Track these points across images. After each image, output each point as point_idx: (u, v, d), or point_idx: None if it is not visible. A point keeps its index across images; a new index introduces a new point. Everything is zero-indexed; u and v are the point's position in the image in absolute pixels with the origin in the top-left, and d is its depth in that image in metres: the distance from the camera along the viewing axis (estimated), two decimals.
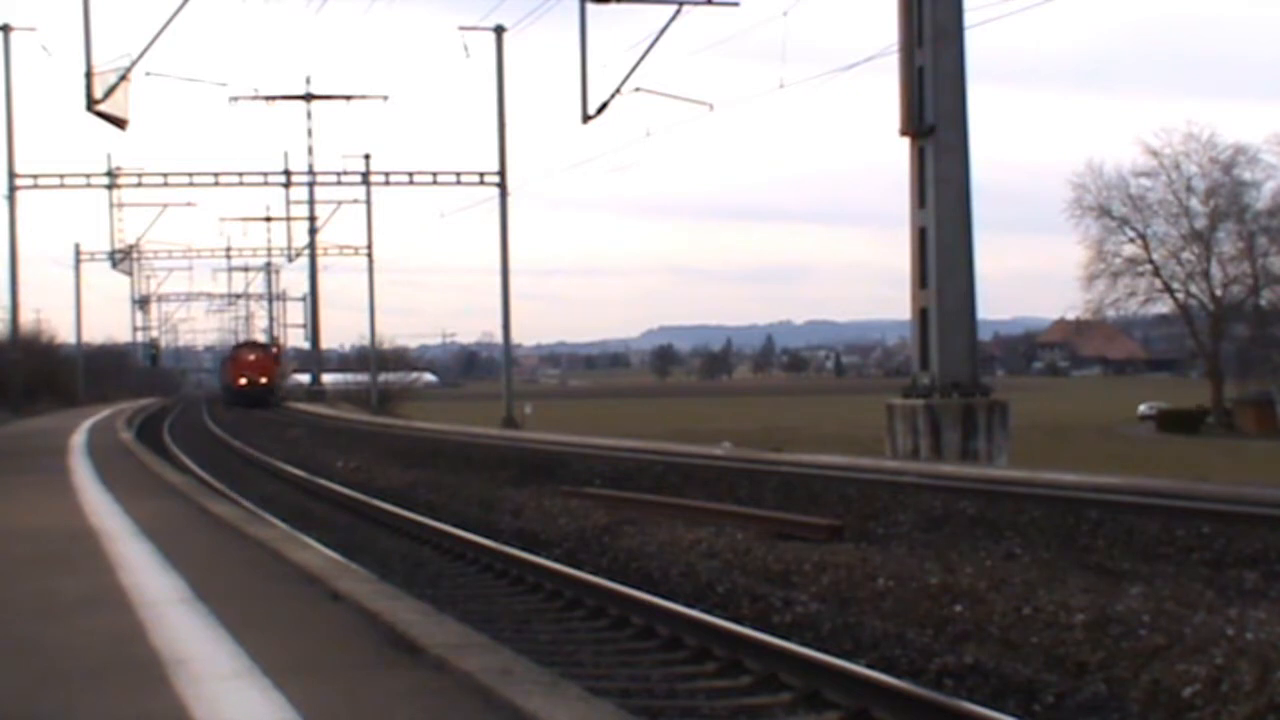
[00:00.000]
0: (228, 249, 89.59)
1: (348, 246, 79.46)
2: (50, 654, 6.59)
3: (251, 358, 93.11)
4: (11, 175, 51.87)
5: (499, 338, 55.33)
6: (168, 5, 31.71)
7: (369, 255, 76.27)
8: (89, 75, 31.42)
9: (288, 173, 60.12)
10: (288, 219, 78.30)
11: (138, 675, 6.00)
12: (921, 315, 26.95)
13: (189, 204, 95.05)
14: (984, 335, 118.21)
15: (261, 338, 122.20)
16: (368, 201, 74.08)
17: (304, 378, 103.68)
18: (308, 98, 62.85)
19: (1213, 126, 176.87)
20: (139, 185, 57.03)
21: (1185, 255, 79.49)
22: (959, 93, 26.48)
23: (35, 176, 52.71)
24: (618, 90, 35.19)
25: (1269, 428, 69.72)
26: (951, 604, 10.62)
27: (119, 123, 31.95)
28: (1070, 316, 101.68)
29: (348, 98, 61.48)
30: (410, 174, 55.38)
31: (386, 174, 56.67)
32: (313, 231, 76.69)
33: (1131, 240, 79.72)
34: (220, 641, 6.73)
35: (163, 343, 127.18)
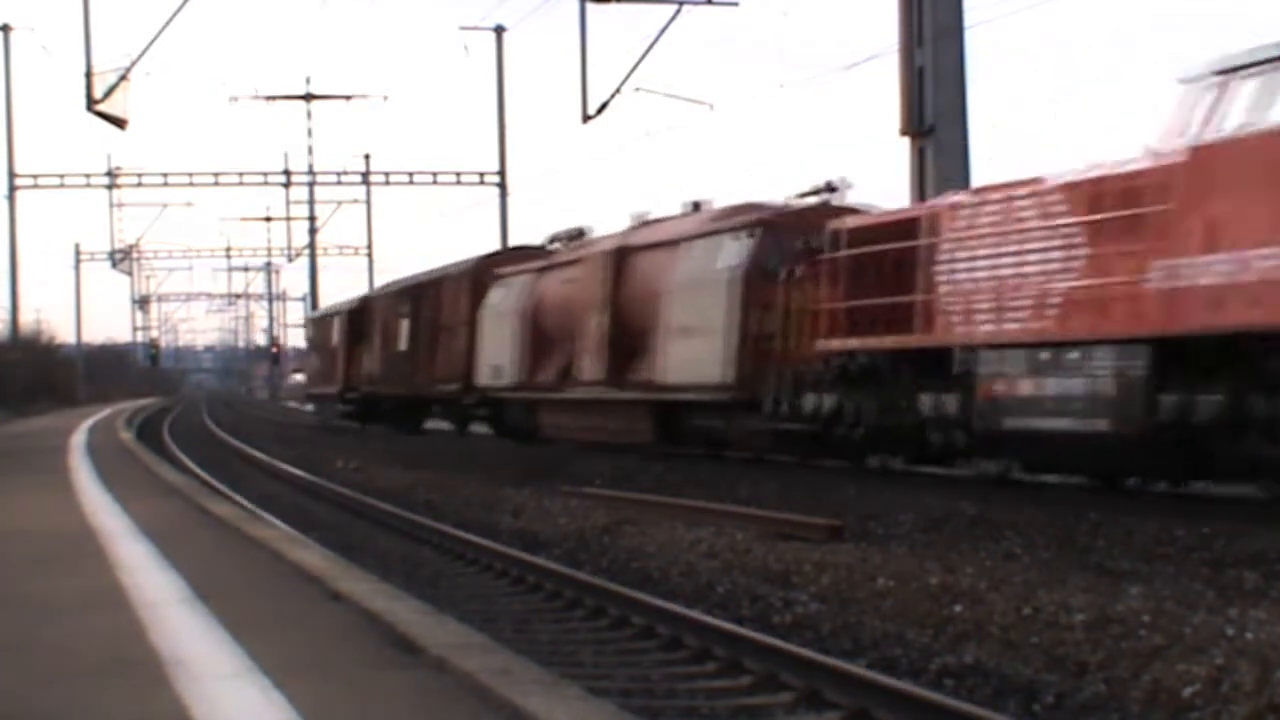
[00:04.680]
0: (228, 249, 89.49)
1: (348, 246, 79.46)
2: (50, 654, 6.59)
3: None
4: (11, 175, 51.87)
5: None
6: (168, 5, 31.72)
7: (369, 255, 76.25)
8: (89, 75, 31.43)
9: (288, 173, 60.26)
10: (288, 219, 78.28)
11: (137, 675, 6.00)
12: None
13: (189, 204, 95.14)
14: None
15: (262, 339, 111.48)
16: (368, 201, 74.08)
17: (304, 378, 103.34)
18: (308, 98, 62.88)
19: None
20: (139, 185, 57.09)
21: None
22: (959, 92, 26.48)
23: (35, 176, 52.74)
24: (618, 90, 35.19)
25: None
26: (951, 604, 10.61)
27: (119, 123, 31.97)
28: None
29: (348, 98, 61.51)
30: (410, 174, 55.50)
31: (386, 174, 56.78)
32: (313, 231, 76.63)
33: None
34: (220, 641, 6.73)
35: (163, 343, 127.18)
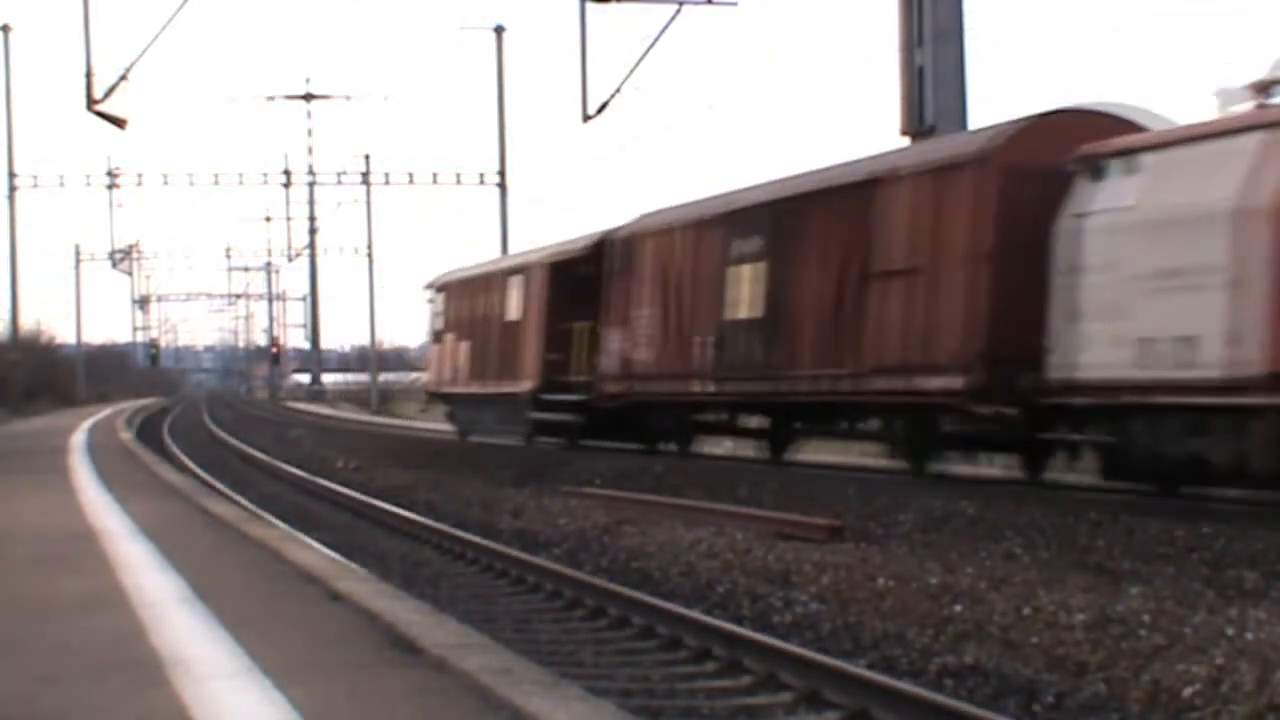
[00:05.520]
0: (228, 249, 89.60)
1: (348, 246, 79.56)
2: (50, 654, 6.58)
3: None
4: (11, 175, 51.92)
5: None
6: (168, 5, 31.72)
7: (369, 255, 76.23)
8: (89, 75, 31.42)
9: (288, 173, 60.29)
10: (287, 219, 78.38)
11: (137, 675, 6.00)
12: None
13: (188, 205, 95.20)
14: None
15: (262, 339, 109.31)
16: (368, 202, 74.07)
17: (304, 378, 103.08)
18: (308, 98, 63.00)
19: None
20: (139, 185, 57.14)
21: None
22: (959, 93, 26.49)
23: (35, 176, 52.82)
24: (618, 90, 35.21)
25: None
26: (951, 604, 10.62)
27: (119, 123, 31.96)
28: None
29: (348, 98, 61.64)
30: (410, 174, 55.52)
31: (386, 174, 56.81)
32: (313, 231, 76.70)
33: None
34: (220, 641, 6.73)
35: (163, 343, 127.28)
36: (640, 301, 25.70)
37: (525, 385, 29.97)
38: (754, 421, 23.99)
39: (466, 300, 35.18)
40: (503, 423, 32.06)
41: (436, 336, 37.60)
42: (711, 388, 23.41)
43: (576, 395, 27.82)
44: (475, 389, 33.55)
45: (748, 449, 24.79)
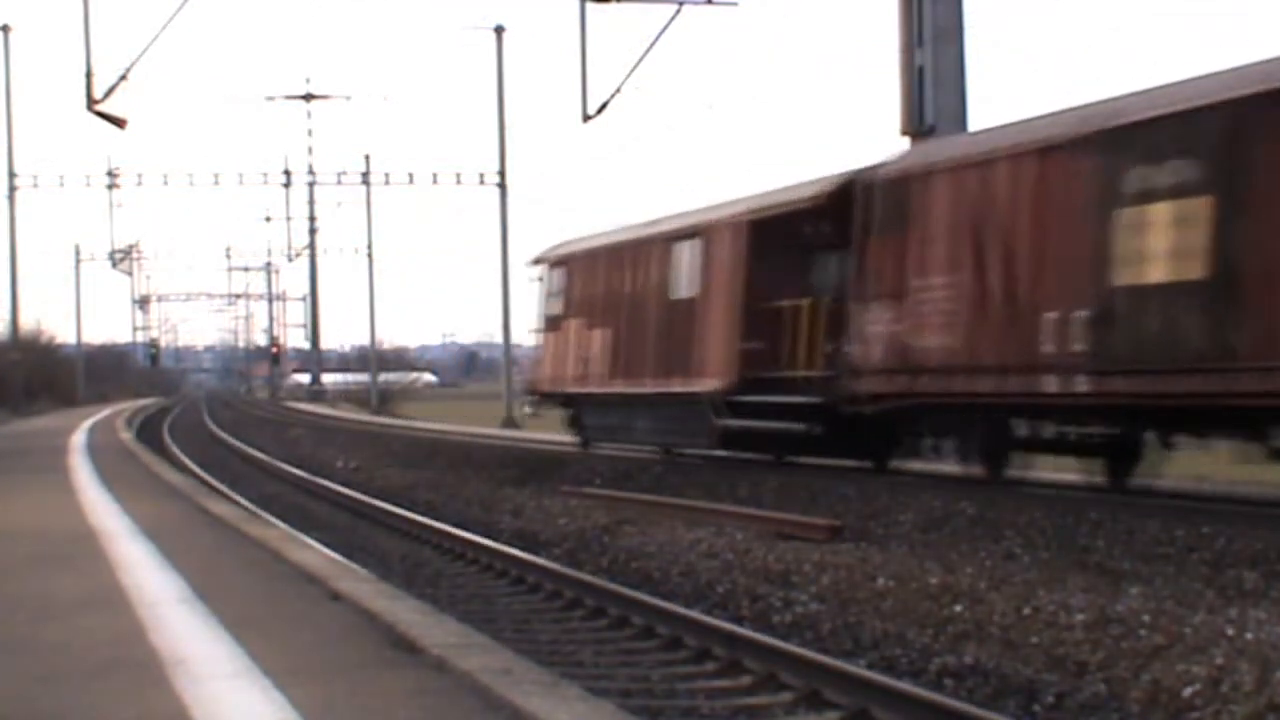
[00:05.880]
0: (228, 249, 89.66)
1: (348, 246, 79.63)
2: (50, 654, 6.59)
3: None
4: (11, 175, 51.93)
5: (499, 338, 55.34)
6: (168, 5, 31.73)
7: (369, 255, 76.23)
8: (89, 75, 31.42)
9: (288, 173, 60.25)
10: (287, 219, 78.43)
11: (137, 675, 6.00)
12: None
13: (188, 205, 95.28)
14: None
15: (262, 339, 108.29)
16: (368, 202, 74.09)
17: (304, 378, 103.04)
18: (308, 98, 63.04)
19: None
20: (139, 185, 57.16)
21: None
22: (959, 93, 26.50)
23: (35, 176, 52.86)
24: (618, 90, 35.21)
25: None
26: (951, 604, 10.62)
27: (119, 123, 31.95)
28: None
29: (348, 97, 61.69)
30: (410, 174, 55.56)
31: (386, 174, 56.83)
32: (313, 231, 76.73)
33: None
34: (220, 641, 6.73)
35: (163, 343, 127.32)
36: (925, 267, 18.27)
37: (710, 384, 22.47)
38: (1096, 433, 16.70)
39: (601, 275, 27.29)
40: (665, 432, 24.92)
41: (551, 323, 29.40)
42: (1082, 385, 15.72)
43: (800, 397, 20.53)
44: (618, 388, 25.89)
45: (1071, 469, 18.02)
